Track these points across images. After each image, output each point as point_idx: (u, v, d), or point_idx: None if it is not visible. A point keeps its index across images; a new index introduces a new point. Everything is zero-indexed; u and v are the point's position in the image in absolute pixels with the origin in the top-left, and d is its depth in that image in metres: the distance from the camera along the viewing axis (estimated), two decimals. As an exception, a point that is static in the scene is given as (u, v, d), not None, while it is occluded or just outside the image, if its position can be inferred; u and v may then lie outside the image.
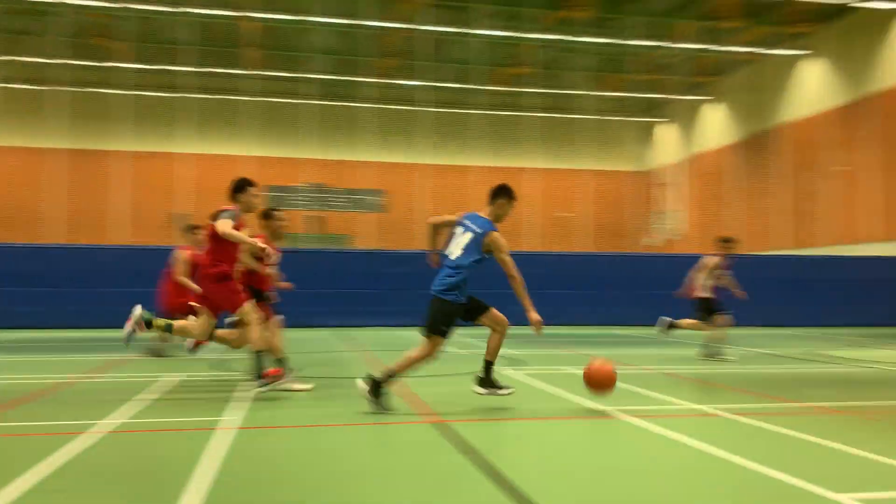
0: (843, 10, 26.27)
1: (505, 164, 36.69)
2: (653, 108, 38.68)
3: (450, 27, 28.60)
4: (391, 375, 5.97)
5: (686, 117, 35.58)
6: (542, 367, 9.63)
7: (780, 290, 20.12)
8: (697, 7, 27.57)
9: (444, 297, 6.02)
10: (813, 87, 28.61)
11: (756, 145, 31.85)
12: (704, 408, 6.37)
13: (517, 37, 29.24)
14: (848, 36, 26.60)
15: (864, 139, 25.90)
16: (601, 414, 6.04)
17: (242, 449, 4.76)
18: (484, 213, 6.22)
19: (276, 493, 3.82)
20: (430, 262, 6.44)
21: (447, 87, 34.59)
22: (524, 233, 33.87)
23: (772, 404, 6.54)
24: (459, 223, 6.21)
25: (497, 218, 6.22)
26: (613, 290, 19.84)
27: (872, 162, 25.53)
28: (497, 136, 36.73)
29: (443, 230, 6.46)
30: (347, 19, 28.07)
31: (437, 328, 6.00)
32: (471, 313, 6.18)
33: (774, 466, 4.24)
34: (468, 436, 5.07)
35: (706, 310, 10.62)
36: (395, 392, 7.22)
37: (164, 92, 33.65)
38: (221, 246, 6.67)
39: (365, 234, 34.07)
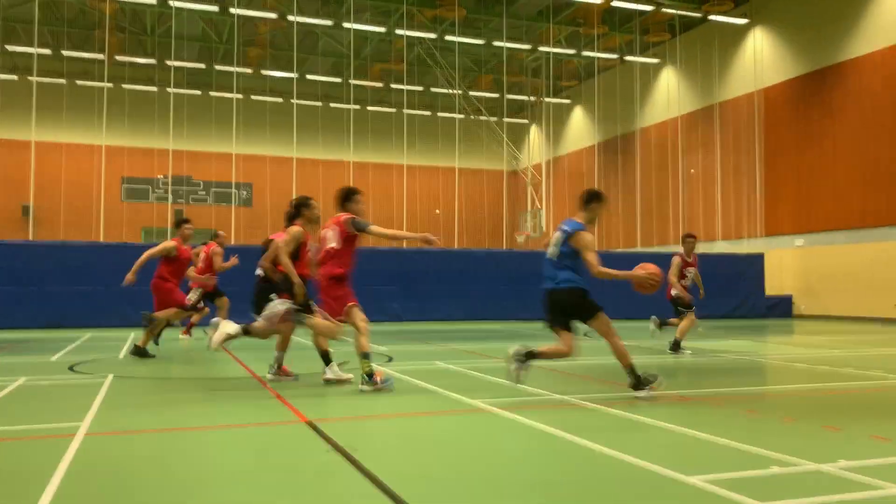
0: (697, 22, 28.07)
1: (381, 160, 36.57)
2: (524, 109, 39.80)
3: (321, 20, 28.15)
4: (537, 355, 6.55)
5: (553, 119, 36.88)
6: (412, 362, 9.64)
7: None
8: (563, 13, 28.61)
9: (561, 288, 6.55)
10: (669, 93, 30.40)
11: (616, 148, 33.47)
12: (568, 398, 6.58)
13: (394, 33, 29.19)
14: (702, 47, 28.45)
15: (714, 144, 27.80)
16: (471, 408, 6.11)
17: (93, 456, 4.42)
18: (578, 217, 6.79)
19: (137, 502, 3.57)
20: None
21: (319, 81, 34.04)
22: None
23: (629, 393, 6.85)
24: (557, 230, 6.86)
25: (591, 220, 6.82)
26: (482, 285, 20.21)
27: (721, 165, 27.45)
28: (372, 132, 36.52)
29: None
30: (213, 6, 26.99)
31: (560, 320, 6.61)
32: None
33: (630, 452, 4.42)
34: (340, 435, 4.97)
35: (676, 306, 11.24)
36: (264, 396, 6.99)
37: (5, 74, 31.06)
38: (345, 251, 7.13)
39: (228, 228, 32.96)
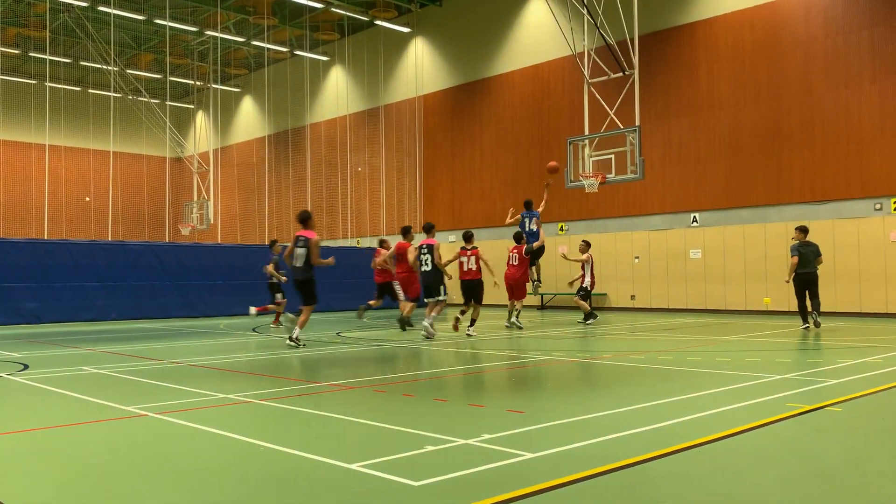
0: (365, 25, 29.17)
1: (16, 138, 31.85)
2: (189, 94, 37.73)
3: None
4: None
5: (221, 107, 35.58)
6: (54, 369, 8.56)
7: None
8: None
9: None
10: (338, 91, 31.20)
11: (288, 141, 33.46)
12: (232, 396, 6.38)
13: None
14: (369, 50, 29.65)
15: (380, 144, 29.24)
16: (126, 414, 5.59)
17: None
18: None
19: None
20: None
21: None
22: (38, 218, 29.89)
23: (294, 386, 6.87)
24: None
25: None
26: (140, 280, 18.72)
27: (386, 164, 28.98)
28: (4, 105, 31.60)
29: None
30: None
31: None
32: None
33: (295, 445, 4.42)
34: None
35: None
36: None
37: None
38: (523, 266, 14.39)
39: None
